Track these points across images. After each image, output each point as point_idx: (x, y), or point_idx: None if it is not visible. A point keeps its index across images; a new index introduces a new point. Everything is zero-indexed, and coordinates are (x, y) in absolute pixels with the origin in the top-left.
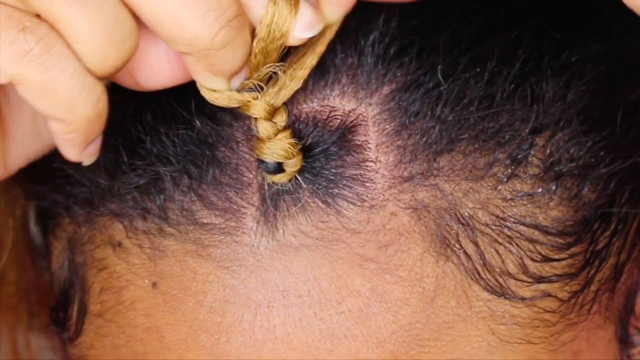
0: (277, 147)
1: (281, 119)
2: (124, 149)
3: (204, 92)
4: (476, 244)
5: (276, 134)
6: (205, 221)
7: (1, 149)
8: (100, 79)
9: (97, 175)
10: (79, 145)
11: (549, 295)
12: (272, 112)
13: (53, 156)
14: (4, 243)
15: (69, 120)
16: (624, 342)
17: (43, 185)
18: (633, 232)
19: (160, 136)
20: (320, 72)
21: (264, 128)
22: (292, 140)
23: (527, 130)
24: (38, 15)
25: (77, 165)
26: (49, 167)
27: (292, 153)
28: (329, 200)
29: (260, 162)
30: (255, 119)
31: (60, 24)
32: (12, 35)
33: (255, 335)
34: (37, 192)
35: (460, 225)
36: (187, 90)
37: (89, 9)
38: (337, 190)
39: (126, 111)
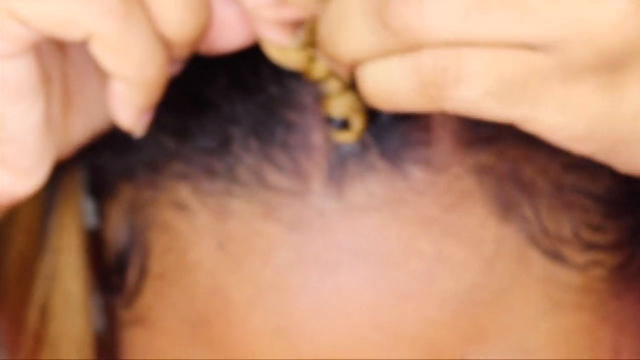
0: (344, 103)
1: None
2: (193, 111)
3: (272, 53)
4: (535, 210)
5: (343, 91)
6: (274, 183)
7: (65, 118)
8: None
9: (163, 138)
10: (137, 109)
11: (600, 263)
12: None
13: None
14: None
15: (136, 81)
16: None
17: (100, 153)
18: None
19: (230, 99)
20: None
21: (332, 84)
22: (357, 99)
23: None
24: None
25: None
26: (106, 135)
27: (358, 109)
28: (396, 162)
29: (328, 121)
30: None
31: None
32: None
33: (322, 296)
34: (92, 161)
35: (521, 190)
36: (257, 56)
37: None
38: (404, 153)
39: (195, 75)
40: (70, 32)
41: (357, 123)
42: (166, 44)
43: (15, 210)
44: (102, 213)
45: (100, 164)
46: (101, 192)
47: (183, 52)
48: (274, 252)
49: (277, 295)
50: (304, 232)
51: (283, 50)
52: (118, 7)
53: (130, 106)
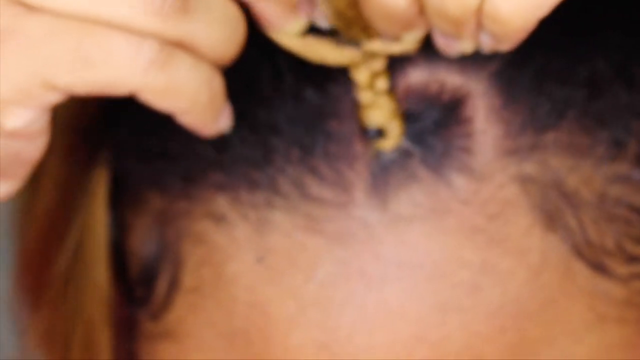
0: (379, 111)
1: (383, 83)
2: (233, 118)
3: (297, 48)
4: (579, 220)
5: (377, 99)
6: (316, 195)
7: None
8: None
9: (201, 147)
10: (209, 123)
11: None
12: (375, 76)
13: (141, 130)
14: None
15: (196, 109)
16: None
17: (128, 158)
18: None
19: (271, 108)
20: (427, 45)
21: (364, 94)
22: (392, 106)
23: (627, 115)
24: None
25: (177, 139)
26: (136, 140)
27: (394, 115)
28: (439, 170)
29: (364, 131)
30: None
31: (181, 40)
32: (135, 46)
33: (368, 309)
34: (117, 168)
35: (565, 200)
36: (298, 62)
37: (208, 21)
38: (446, 161)
39: (235, 83)
40: (114, 92)
41: (394, 129)
42: (213, 61)
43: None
44: (124, 222)
45: (126, 172)
46: (125, 200)
47: (229, 61)
48: (317, 265)
49: (320, 310)
50: (347, 244)
51: (308, 43)
52: (158, 55)
53: (204, 125)
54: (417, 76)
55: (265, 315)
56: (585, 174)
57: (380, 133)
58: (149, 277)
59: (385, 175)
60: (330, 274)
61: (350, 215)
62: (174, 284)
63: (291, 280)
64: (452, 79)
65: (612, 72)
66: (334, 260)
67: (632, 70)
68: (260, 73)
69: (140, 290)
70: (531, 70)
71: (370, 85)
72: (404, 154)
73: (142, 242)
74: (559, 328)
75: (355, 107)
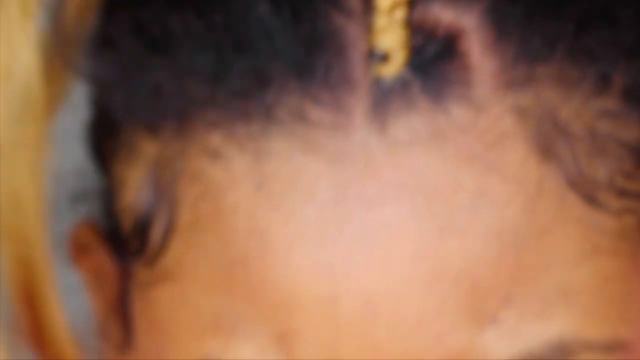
0: (392, 37)
1: (401, 13)
2: (229, 50)
3: None
4: (572, 152)
5: (392, 26)
6: (315, 119)
7: None
8: None
9: (194, 84)
10: None
11: (632, 210)
12: (395, 5)
13: (129, 67)
14: None
15: None
16: None
17: (115, 99)
18: None
19: (270, 37)
20: None
21: (382, 19)
22: (404, 36)
23: (614, 51)
24: None
25: (168, 78)
26: (124, 78)
27: (404, 45)
28: (437, 99)
29: (370, 54)
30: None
31: None
32: None
33: (368, 230)
34: (104, 105)
35: (558, 132)
36: None
37: None
38: (445, 91)
39: (235, 14)
40: None
41: (399, 58)
42: None
43: None
44: (117, 178)
45: (115, 119)
46: (118, 155)
47: None
48: (316, 188)
49: (320, 231)
50: (347, 166)
51: None
52: None
53: None
54: (413, 13)
55: (265, 240)
56: (575, 108)
57: (384, 58)
58: (143, 225)
59: (385, 101)
60: (330, 195)
61: (349, 137)
62: (169, 225)
63: (291, 203)
64: (445, 16)
65: (599, 8)
66: (333, 182)
67: (616, 8)
68: (259, 3)
69: (134, 243)
70: (522, 6)
71: (390, 13)
72: (404, 84)
73: (137, 193)
74: (556, 256)
75: (357, 35)
